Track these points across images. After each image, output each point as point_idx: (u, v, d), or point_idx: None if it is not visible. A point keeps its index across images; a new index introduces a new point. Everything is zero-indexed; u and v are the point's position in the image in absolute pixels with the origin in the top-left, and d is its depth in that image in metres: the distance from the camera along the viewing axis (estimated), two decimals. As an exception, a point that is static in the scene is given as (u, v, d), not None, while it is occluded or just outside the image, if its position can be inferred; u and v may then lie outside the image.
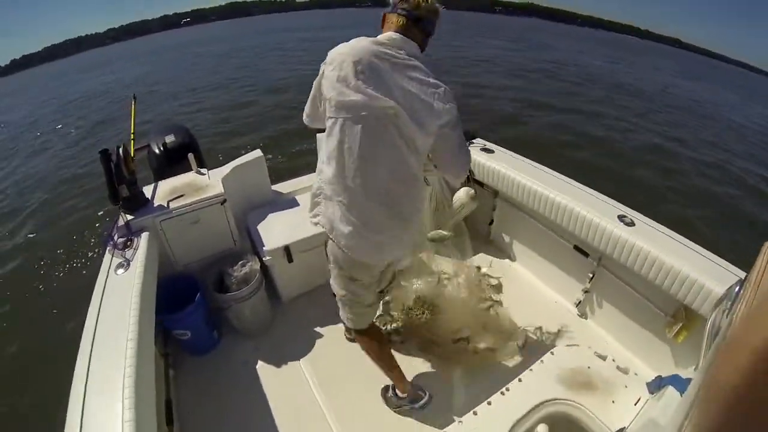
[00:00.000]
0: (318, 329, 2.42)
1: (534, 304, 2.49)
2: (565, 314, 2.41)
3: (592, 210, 2.02)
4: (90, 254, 4.92)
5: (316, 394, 2.08)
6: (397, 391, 1.99)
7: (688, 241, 1.84)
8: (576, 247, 2.31)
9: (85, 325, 1.59)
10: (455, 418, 1.51)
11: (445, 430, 1.44)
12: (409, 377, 2.04)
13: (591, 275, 2.26)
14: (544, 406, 1.50)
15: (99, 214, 5.76)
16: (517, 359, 2.15)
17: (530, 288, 2.61)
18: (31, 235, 5.86)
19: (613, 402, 1.49)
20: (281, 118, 8.78)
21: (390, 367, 1.93)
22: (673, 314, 1.85)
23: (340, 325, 2.37)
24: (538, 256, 2.61)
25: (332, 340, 2.36)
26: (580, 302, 2.36)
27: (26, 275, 4.86)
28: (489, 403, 1.54)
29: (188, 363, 2.31)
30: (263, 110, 9.66)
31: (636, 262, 1.85)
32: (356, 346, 2.25)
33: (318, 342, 2.36)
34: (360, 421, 1.95)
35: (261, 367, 2.26)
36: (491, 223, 2.87)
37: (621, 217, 1.95)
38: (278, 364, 2.27)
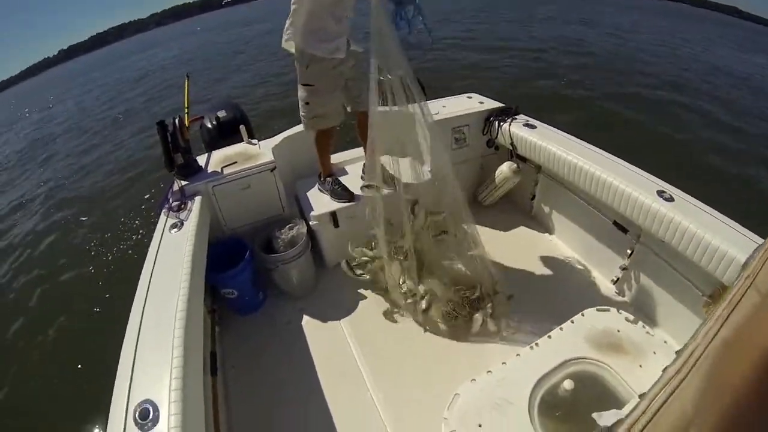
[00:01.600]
0: (361, 291, 2.51)
1: (571, 280, 2.50)
2: (601, 291, 2.42)
3: (631, 185, 2.00)
4: (143, 222, 5.28)
5: (355, 354, 2.17)
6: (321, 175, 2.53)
7: (729, 219, 1.79)
8: (615, 223, 2.29)
9: (140, 278, 1.72)
10: (485, 368, 1.56)
11: (475, 377, 1.50)
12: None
13: (630, 252, 2.24)
14: (572, 363, 1.53)
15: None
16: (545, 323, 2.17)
17: (568, 263, 2.61)
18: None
19: (640, 366, 1.51)
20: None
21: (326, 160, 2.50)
22: (710, 294, 1.81)
23: (379, 298, 2.45)
24: (578, 232, 2.60)
25: (373, 305, 2.43)
26: (617, 279, 2.35)
27: (91, 232, 5.49)
28: (518, 355, 1.59)
29: (234, 321, 2.45)
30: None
31: (674, 238, 1.82)
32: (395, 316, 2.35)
33: (360, 306, 2.44)
34: (395, 381, 2.03)
35: (303, 326, 2.37)
36: (533, 198, 2.88)
37: (660, 193, 1.92)
38: (320, 325, 2.37)
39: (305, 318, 2.42)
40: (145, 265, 1.80)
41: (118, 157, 8.37)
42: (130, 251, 4.78)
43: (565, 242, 2.74)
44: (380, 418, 1.88)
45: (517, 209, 3.02)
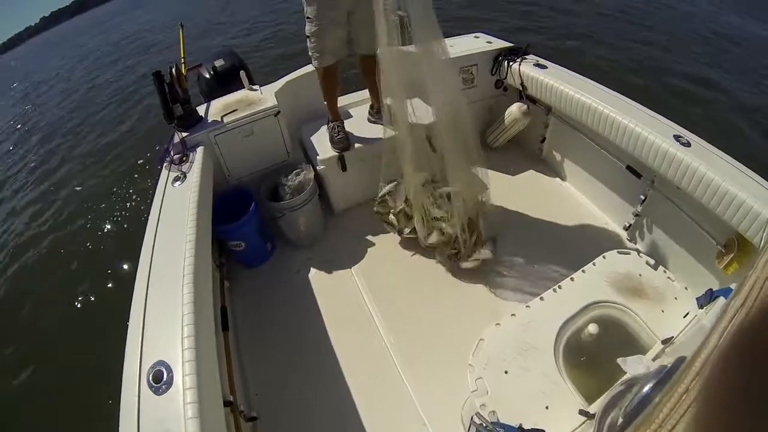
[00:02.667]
0: (370, 238, 2.48)
1: (583, 226, 2.45)
2: (613, 237, 2.37)
3: (647, 128, 1.92)
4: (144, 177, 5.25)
5: (366, 301, 2.16)
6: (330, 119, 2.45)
7: (746, 168, 1.71)
8: (629, 168, 2.22)
9: (145, 233, 1.67)
10: (509, 311, 1.55)
11: (500, 322, 1.48)
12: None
13: (643, 198, 2.18)
14: (595, 307, 1.52)
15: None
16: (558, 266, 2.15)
17: (580, 209, 2.56)
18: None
19: (662, 311, 1.51)
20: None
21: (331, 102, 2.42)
22: (725, 244, 1.75)
23: (391, 236, 2.41)
24: (590, 176, 2.54)
25: (383, 250, 2.41)
26: (630, 225, 2.30)
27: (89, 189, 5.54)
28: (541, 299, 1.56)
29: (242, 274, 2.43)
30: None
31: (690, 184, 1.75)
32: (405, 256, 2.33)
33: (369, 252, 2.42)
34: (407, 327, 2.02)
35: (313, 276, 2.35)
36: (543, 141, 2.80)
37: (677, 137, 1.84)
38: (330, 273, 2.35)
39: (315, 266, 2.40)
40: (149, 221, 1.75)
41: (111, 114, 8.37)
42: (132, 208, 4.76)
43: (576, 187, 2.68)
44: (395, 364, 1.88)
45: (527, 153, 2.95)
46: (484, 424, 1.17)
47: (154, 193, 1.96)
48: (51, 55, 24.35)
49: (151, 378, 1.15)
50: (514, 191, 2.65)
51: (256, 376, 1.96)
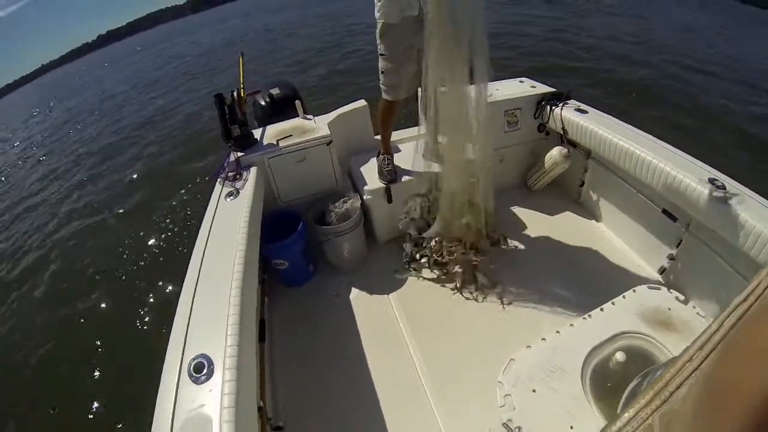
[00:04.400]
0: (409, 268, 2.54)
1: (617, 267, 2.48)
2: (647, 279, 2.38)
3: (682, 171, 1.95)
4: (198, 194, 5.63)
5: (402, 327, 2.21)
6: (381, 151, 2.56)
7: None
8: (664, 211, 2.26)
9: (196, 242, 1.77)
10: (537, 337, 1.60)
11: (530, 344, 1.53)
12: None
13: (678, 241, 2.20)
14: (623, 337, 1.55)
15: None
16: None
17: (615, 251, 2.59)
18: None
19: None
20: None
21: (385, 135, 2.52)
22: None
23: (429, 273, 2.49)
24: (626, 219, 2.58)
25: (422, 283, 2.47)
26: (665, 269, 2.32)
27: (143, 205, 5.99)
28: (571, 325, 1.61)
29: (282, 291, 2.53)
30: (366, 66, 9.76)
31: (726, 228, 1.77)
32: (443, 291, 2.39)
33: (408, 282, 2.48)
34: (439, 354, 2.06)
35: (351, 299, 2.42)
36: (582, 184, 2.86)
37: (712, 180, 1.87)
38: (368, 298, 2.43)
39: (353, 291, 2.48)
40: (200, 229, 1.86)
41: (170, 134, 8.94)
42: (182, 216, 5.13)
43: (612, 230, 2.71)
44: (424, 389, 1.92)
45: (566, 195, 3.01)
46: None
47: (208, 204, 2.07)
48: (111, 69, 26.10)
49: (192, 368, 1.21)
50: (552, 231, 2.70)
51: (286, 388, 2.01)
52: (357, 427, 1.83)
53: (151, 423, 1.12)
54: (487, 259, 2.43)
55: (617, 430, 0.46)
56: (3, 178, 10.10)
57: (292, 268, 2.46)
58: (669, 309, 1.64)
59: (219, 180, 2.25)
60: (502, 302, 2.28)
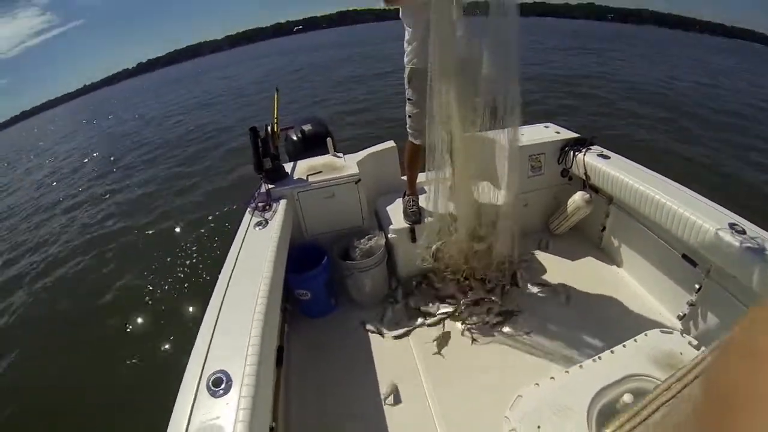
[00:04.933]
0: (426, 309, 2.55)
1: (636, 314, 2.45)
2: (665, 326, 2.34)
3: (702, 216, 1.97)
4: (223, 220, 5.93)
5: (418, 365, 2.22)
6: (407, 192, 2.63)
7: None
8: (684, 256, 2.25)
9: (223, 267, 1.85)
10: (546, 376, 1.60)
11: (538, 382, 1.53)
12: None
13: (698, 287, 2.18)
14: (632, 379, 1.54)
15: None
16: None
17: (635, 297, 2.57)
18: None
19: None
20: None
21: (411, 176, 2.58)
22: None
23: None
24: (646, 265, 2.57)
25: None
26: (684, 315, 2.28)
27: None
28: (581, 366, 1.61)
29: (302, 322, 2.58)
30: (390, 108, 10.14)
31: (746, 273, 1.77)
32: (457, 328, 2.41)
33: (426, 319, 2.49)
34: (455, 389, 2.07)
35: (370, 335, 2.45)
36: (603, 229, 2.88)
37: (732, 225, 1.88)
38: (385, 334, 2.44)
39: (372, 326, 2.50)
40: (228, 255, 1.94)
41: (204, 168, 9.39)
42: (209, 245, 5.38)
43: (632, 276, 2.70)
44: (432, 416, 1.94)
45: (587, 240, 3.02)
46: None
47: (237, 231, 2.16)
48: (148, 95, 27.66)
49: (210, 382, 1.26)
50: (571, 275, 2.70)
51: (299, 413, 2.04)
52: None
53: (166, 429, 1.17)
54: (498, 299, 2.49)
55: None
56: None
57: (314, 299, 2.52)
58: (681, 353, 1.63)
59: (249, 210, 2.35)
60: (516, 336, 2.30)
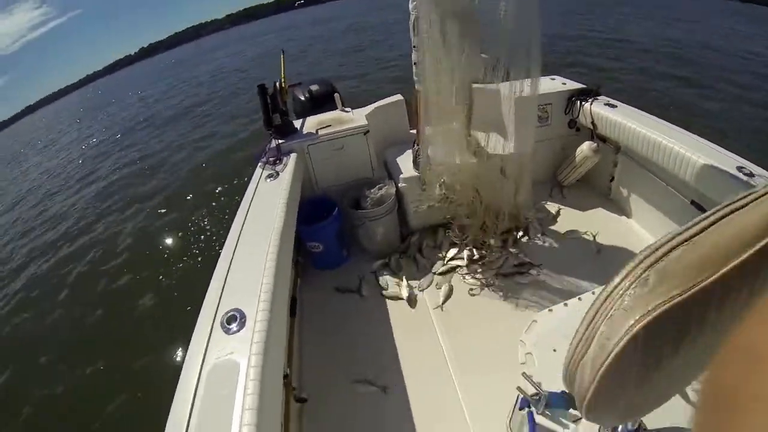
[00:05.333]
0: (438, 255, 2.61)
1: None
2: None
3: (710, 160, 1.97)
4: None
5: (432, 316, 2.26)
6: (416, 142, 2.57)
7: None
8: (693, 202, 2.26)
9: (236, 216, 1.89)
10: (546, 306, 1.65)
11: (539, 312, 1.58)
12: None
13: None
14: None
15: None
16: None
17: (644, 244, 2.57)
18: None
19: None
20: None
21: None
22: None
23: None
24: (655, 214, 2.59)
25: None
26: None
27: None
28: (593, 293, 1.65)
29: (315, 274, 2.63)
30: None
31: None
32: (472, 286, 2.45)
33: (435, 267, 2.54)
34: (466, 334, 2.12)
35: (381, 284, 2.49)
36: (612, 179, 2.89)
37: (740, 168, 1.89)
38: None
39: (383, 275, 2.54)
40: (241, 205, 1.98)
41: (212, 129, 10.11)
42: (221, 201, 5.80)
43: (642, 225, 2.72)
44: (449, 368, 1.97)
45: (596, 191, 3.04)
46: (532, 386, 1.20)
47: (248, 184, 2.20)
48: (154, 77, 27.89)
49: (225, 319, 1.30)
50: (581, 226, 2.73)
51: (312, 363, 2.09)
52: (378, 403, 1.89)
53: (182, 367, 1.22)
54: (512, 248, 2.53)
55: (616, 284, 0.54)
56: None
57: (326, 251, 2.57)
58: None
59: (260, 164, 2.39)
60: (528, 283, 2.34)
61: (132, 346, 3.53)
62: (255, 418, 1.03)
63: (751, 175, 1.86)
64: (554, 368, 1.47)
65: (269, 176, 2.22)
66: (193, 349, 1.25)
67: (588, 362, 0.58)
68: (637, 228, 2.73)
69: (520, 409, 1.26)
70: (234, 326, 1.28)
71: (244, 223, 1.83)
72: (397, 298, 2.37)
